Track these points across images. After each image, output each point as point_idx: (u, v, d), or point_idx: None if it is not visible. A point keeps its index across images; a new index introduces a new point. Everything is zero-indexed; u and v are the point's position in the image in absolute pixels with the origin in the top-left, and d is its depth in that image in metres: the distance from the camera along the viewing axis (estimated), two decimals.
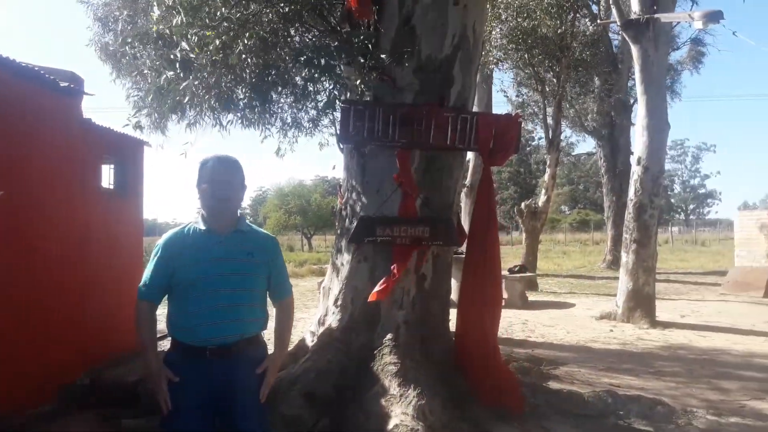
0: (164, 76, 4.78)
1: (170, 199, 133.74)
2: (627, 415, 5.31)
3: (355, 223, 5.49)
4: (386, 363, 4.95)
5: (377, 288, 5.14)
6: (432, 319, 5.65)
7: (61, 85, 6.23)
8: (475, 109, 6.64)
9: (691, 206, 77.22)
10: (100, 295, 7.06)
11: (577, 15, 18.27)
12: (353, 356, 5.27)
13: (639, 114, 11.73)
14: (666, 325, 10.93)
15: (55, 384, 5.95)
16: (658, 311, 11.46)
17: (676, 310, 12.82)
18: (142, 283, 3.01)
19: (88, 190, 6.86)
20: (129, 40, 5.06)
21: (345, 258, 5.73)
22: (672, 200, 71.79)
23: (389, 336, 5.28)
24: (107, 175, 7.77)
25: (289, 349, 6.21)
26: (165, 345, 7.86)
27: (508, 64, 18.64)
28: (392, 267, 5.25)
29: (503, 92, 21.67)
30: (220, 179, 2.90)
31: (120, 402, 5.74)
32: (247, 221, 3.14)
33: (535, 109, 21.57)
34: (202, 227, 2.98)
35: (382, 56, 5.29)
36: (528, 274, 14.91)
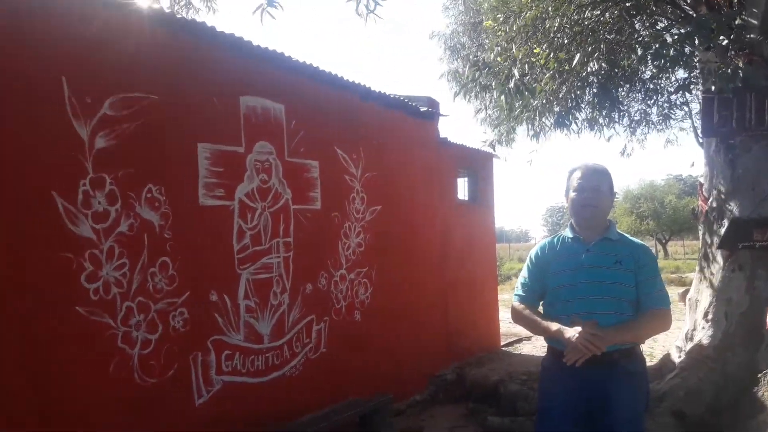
0: (508, 99, 5.01)
1: (516, 208, 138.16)
2: None
3: (724, 227, 4.84)
4: None
5: None
6: None
7: (422, 110, 7.03)
8: None
9: None
10: (460, 297, 7.70)
11: None
12: (729, 377, 4.63)
13: None
14: None
15: (425, 376, 6.67)
16: None
17: None
18: (517, 290, 3.15)
19: (447, 201, 7.56)
20: (474, 71, 5.45)
21: (715, 267, 5.09)
22: None
23: None
24: (462, 187, 8.47)
25: (651, 363, 5.79)
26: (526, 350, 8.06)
27: None
28: None
29: None
30: (589, 186, 2.90)
31: (481, 399, 6.15)
32: (617, 229, 3.04)
33: None
34: (570, 236, 3.00)
35: (750, 35, 4.56)
36: None
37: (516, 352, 8.72)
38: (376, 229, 6.03)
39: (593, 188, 2.91)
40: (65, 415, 3.38)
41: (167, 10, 4.44)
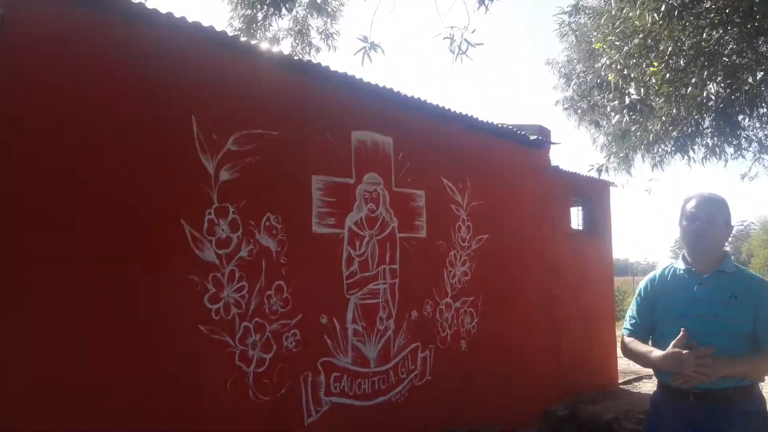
0: (623, 120, 4.88)
1: (639, 239, 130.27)
2: None
3: None
4: None
5: None
6: None
7: (531, 138, 6.98)
8: None
9: None
10: (573, 331, 7.45)
11: None
12: None
13: None
14: None
15: (535, 411, 6.50)
16: None
17: None
18: (626, 323, 3.07)
19: (559, 231, 7.39)
20: (586, 92, 5.37)
21: None
22: None
23: None
24: (575, 217, 8.25)
25: None
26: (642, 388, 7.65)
27: None
28: None
29: None
30: (702, 217, 2.77)
31: None
32: (734, 262, 2.88)
33: None
34: (682, 267, 2.87)
35: None
36: None
37: (635, 391, 8.26)
38: (483, 258, 6.03)
39: (706, 219, 2.78)
40: (189, 426, 3.69)
41: (287, 52, 4.82)
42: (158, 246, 3.62)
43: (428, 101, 5.47)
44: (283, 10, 5.40)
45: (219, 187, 3.91)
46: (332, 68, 4.66)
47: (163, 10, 3.63)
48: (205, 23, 3.89)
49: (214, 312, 3.82)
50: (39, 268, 3.12)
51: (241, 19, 7.26)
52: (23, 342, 3.07)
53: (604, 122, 7.81)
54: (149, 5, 3.61)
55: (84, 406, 3.22)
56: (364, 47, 3.26)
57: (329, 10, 8.25)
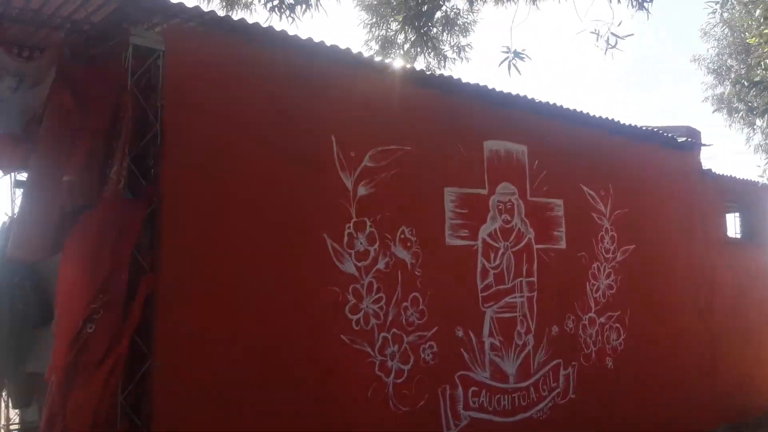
0: None
1: None
2: None
3: None
4: None
5: None
6: None
7: (679, 140, 6.51)
8: None
9: None
10: (731, 349, 6.80)
11: None
12: None
13: None
14: None
15: None
16: None
17: None
18: None
19: (712, 239, 6.80)
20: (740, 88, 4.92)
21: None
22: None
23: None
24: (732, 224, 7.57)
25: None
26: None
27: None
28: None
29: None
30: None
31: None
32: None
33: None
34: None
35: None
36: None
37: None
38: (629, 270, 5.69)
39: None
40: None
41: (420, 68, 4.87)
42: (304, 259, 3.78)
43: (563, 106, 5.28)
44: (424, 28, 5.40)
45: (357, 202, 4.03)
46: (463, 80, 4.65)
47: (303, 35, 3.84)
48: (342, 46, 4.04)
49: (354, 322, 3.92)
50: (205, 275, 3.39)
51: (377, 40, 7.45)
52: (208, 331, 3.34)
53: (762, 122, 7.13)
54: (290, 32, 3.83)
55: (240, 404, 3.42)
56: (508, 57, 3.20)
57: (461, 25, 8.22)
